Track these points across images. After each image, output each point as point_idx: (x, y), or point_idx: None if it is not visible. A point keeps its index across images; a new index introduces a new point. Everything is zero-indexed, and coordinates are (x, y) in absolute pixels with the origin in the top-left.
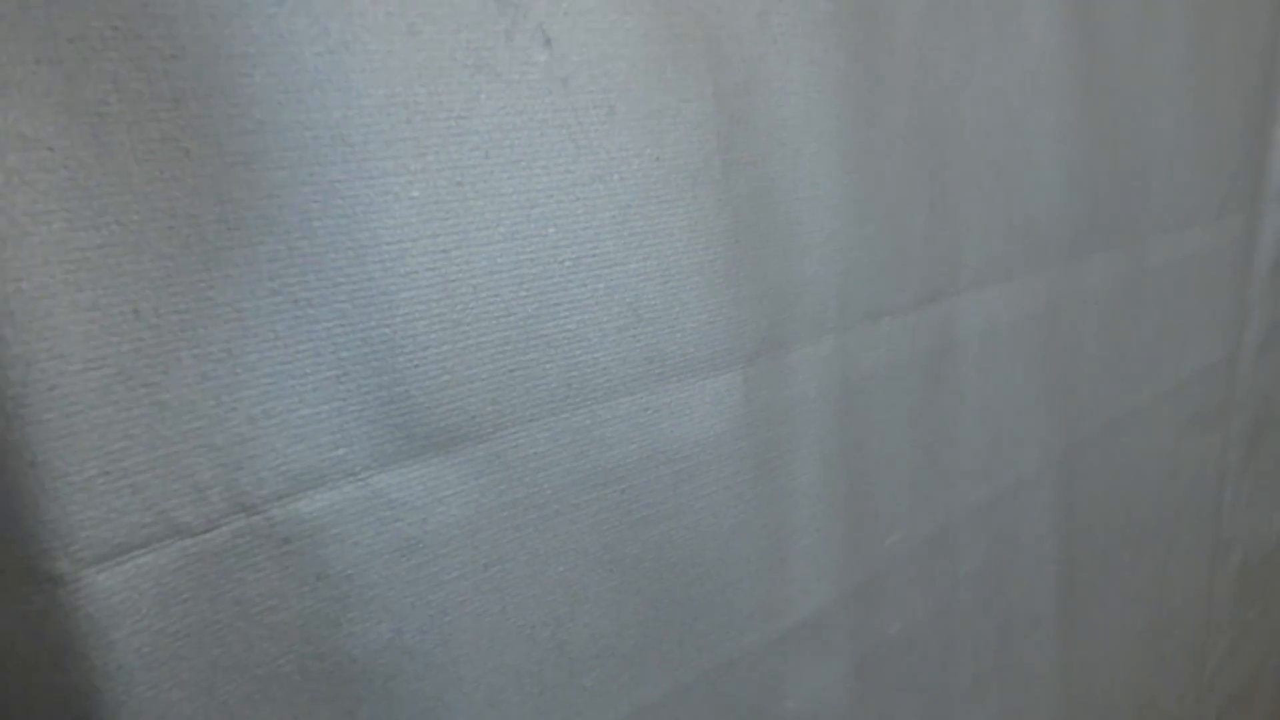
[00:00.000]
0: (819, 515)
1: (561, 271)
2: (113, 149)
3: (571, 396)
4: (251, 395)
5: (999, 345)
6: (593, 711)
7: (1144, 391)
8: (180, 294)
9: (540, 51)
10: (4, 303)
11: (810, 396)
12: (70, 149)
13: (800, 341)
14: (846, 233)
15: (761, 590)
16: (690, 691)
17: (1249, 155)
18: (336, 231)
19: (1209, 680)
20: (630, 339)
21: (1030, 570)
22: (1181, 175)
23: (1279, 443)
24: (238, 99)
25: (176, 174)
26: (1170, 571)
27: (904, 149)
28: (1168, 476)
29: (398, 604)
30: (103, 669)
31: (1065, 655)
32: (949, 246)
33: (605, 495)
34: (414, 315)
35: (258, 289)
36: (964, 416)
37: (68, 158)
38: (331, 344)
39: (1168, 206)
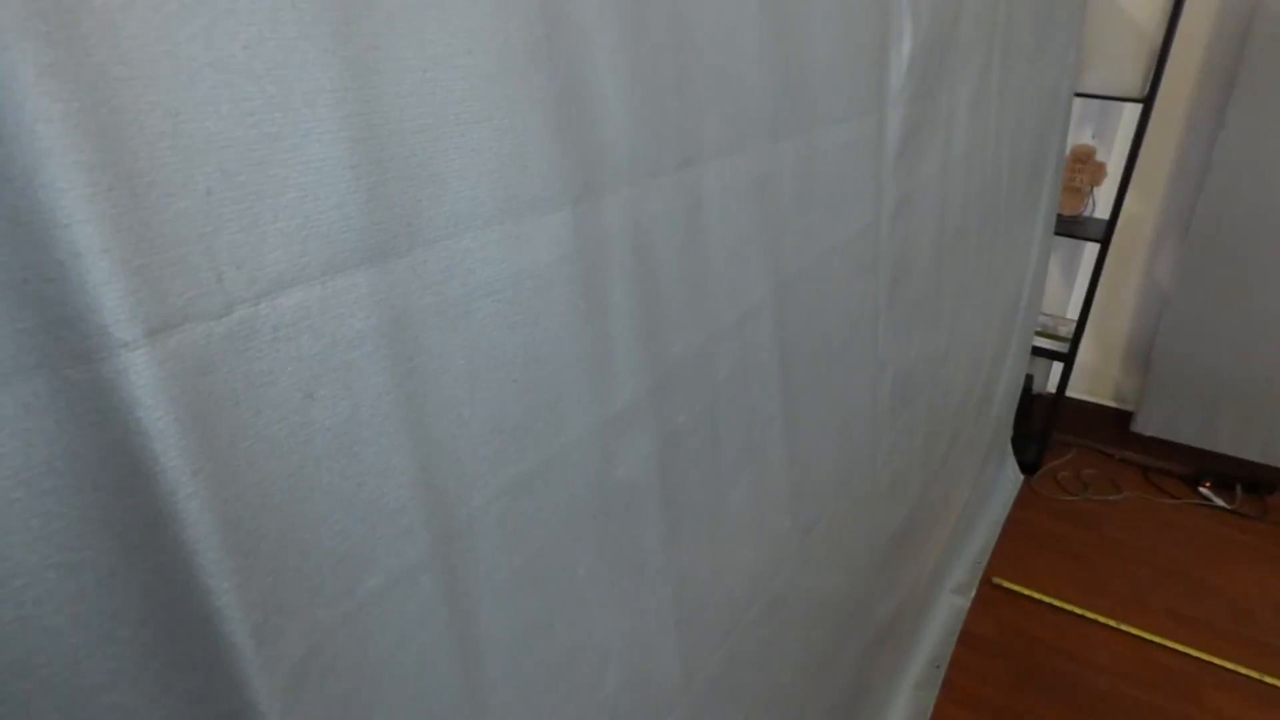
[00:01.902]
0: (628, 326)
1: (448, 124)
2: None
3: (460, 223)
4: (241, 209)
5: (730, 204)
6: (490, 476)
7: (822, 246)
8: (188, 122)
9: None
10: (85, 117)
11: (616, 234)
12: None
13: (607, 190)
14: (630, 108)
15: (595, 382)
16: (553, 462)
17: (875, 68)
18: None
19: (879, 466)
20: (497, 180)
21: (763, 378)
22: (834, 81)
23: (909, 289)
24: None
25: None
26: (850, 383)
27: (663, 49)
28: (842, 311)
29: (354, 384)
30: (168, 419)
31: (789, 444)
32: (694, 125)
33: (489, 304)
34: (349, 151)
35: (242, 122)
36: (712, 257)
37: None
38: (294, 170)
39: (829, 106)
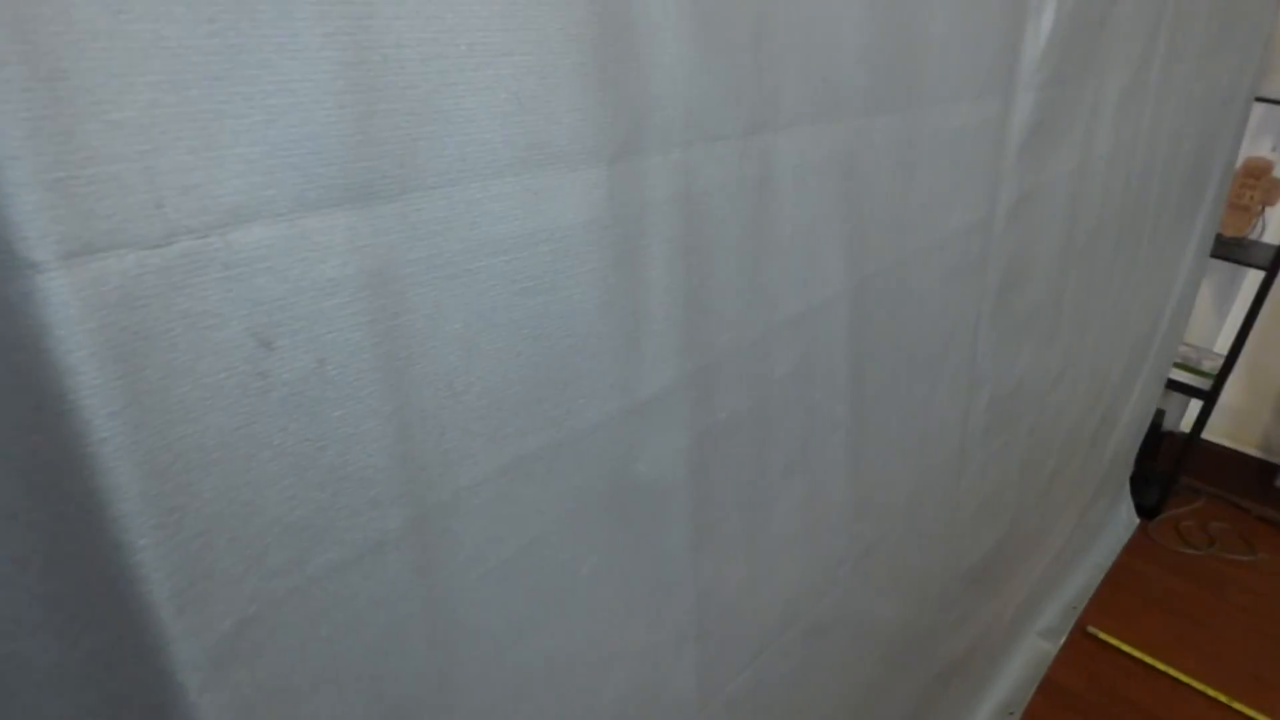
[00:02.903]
0: (666, 306)
1: (458, 54)
2: None
3: (465, 170)
4: (194, 127)
5: (807, 181)
6: (484, 455)
7: (918, 240)
8: (133, 23)
9: None
10: None
11: (660, 200)
12: None
13: (653, 150)
14: (691, 60)
15: (621, 365)
16: (561, 447)
17: (1006, 44)
18: None
19: (962, 493)
20: (515, 124)
21: (829, 380)
22: (952, 54)
23: (1020, 300)
24: None
25: None
26: (936, 397)
27: None
28: (935, 316)
29: (321, 338)
30: (82, 352)
31: (855, 455)
32: (770, 87)
33: (495, 264)
34: (331, 74)
35: (198, 29)
36: (779, 239)
37: None
38: (261, 90)
39: (941, 81)
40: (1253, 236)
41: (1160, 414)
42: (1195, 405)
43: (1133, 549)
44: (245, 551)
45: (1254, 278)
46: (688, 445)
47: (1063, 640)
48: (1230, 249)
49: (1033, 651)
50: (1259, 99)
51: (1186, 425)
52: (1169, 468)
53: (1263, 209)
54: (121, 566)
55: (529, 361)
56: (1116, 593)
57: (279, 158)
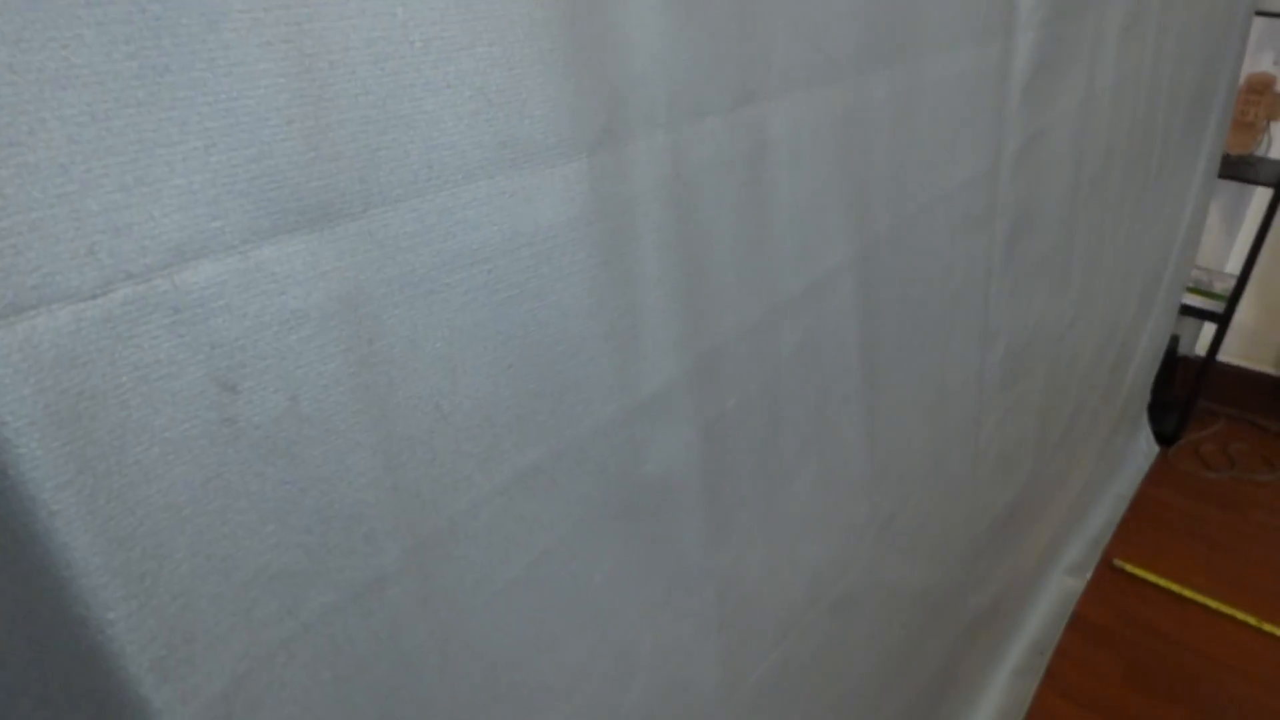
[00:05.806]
0: (662, 298)
1: (413, 52)
2: None
3: (433, 178)
4: (121, 162)
5: (804, 148)
6: (480, 475)
7: (922, 198)
8: (36, 52)
9: None
10: None
11: (648, 188)
12: None
13: (636, 135)
14: (672, 33)
15: (618, 365)
16: (563, 457)
17: None
18: None
19: (982, 447)
20: (483, 123)
21: (838, 353)
22: None
23: (1031, 245)
24: None
25: None
26: (949, 356)
27: None
28: (945, 272)
29: (291, 374)
30: (19, 422)
31: (870, 426)
32: (758, 53)
33: (474, 275)
34: (274, 88)
35: (114, 52)
36: (779, 213)
37: None
38: (195, 113)
39: (939, 27)
40: (1259, 153)
41: (1174, 340)
42: (1209, 328)
43: (1154, 478)
44: (230, 607)
45: (1263, 195)
46: (696, 438)
47: (1089, 575)
48: (1237, 168)
49: (1060, 589)
50: (1259, 13)
51: (1201, 349)
52: (1186, 393)
53: (1268, 124)
54: (91, 643)
55: (519, 373)
56: (1140, 523)
57: (223, 185)
